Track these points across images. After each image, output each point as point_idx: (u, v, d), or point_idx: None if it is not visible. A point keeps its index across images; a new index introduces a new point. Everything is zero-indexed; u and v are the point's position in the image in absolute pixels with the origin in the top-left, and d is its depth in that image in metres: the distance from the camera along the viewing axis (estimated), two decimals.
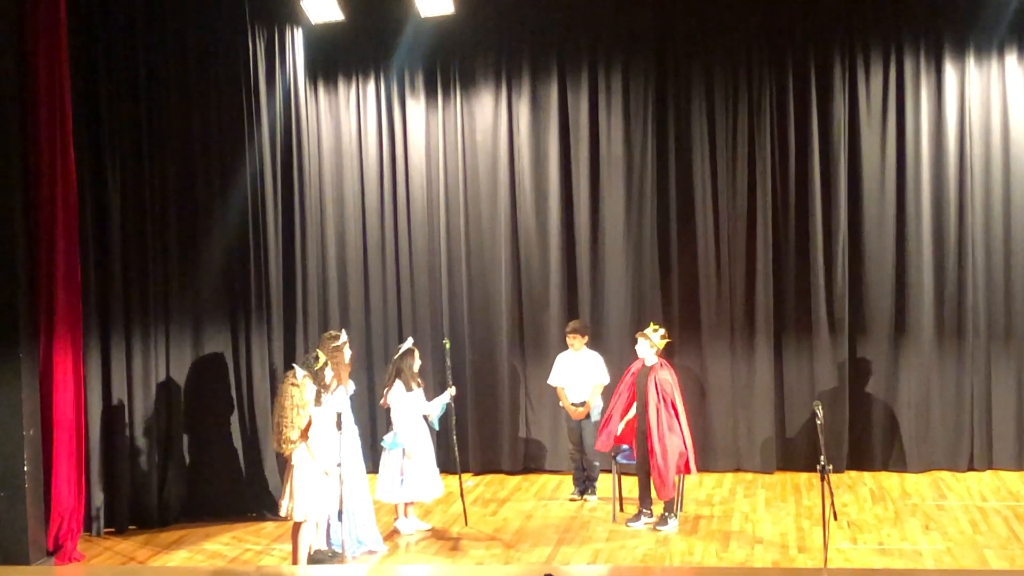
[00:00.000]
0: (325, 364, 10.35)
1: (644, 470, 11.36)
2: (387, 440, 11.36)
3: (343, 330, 11.26)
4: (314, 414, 10.01)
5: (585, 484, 12.60)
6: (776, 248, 13.49)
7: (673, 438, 11.12)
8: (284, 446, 9.93)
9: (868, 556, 10.37)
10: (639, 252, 13.72)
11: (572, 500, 12.53)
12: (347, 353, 10.86)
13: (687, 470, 11.29)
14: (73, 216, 10.87)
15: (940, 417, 13.28)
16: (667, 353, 11.83)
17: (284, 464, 10.26)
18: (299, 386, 9.95)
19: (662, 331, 11.54)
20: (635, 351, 11.60)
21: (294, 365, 10.28)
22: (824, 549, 9.48)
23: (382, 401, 11.57)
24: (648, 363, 11.40)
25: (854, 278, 13.41)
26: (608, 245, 13.77)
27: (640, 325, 13.18)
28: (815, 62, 13.35)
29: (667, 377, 11.28)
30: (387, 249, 14.16)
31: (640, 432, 11.32)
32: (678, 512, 11.45)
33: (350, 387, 10.96)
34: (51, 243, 10.67)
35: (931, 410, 13.30)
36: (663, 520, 11.29)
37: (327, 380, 10.37)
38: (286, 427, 9.89)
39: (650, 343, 11.41)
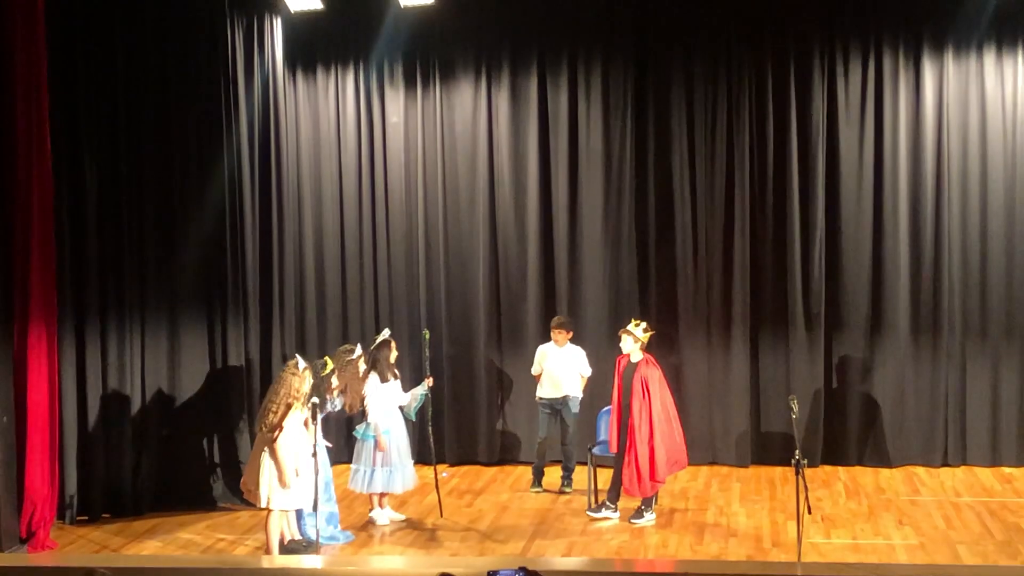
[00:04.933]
0: (332, 372, 10.40)
1: (620, 465, 11.35)
2: (360, 430, 11.35)
3: (359, 344, 11.28)
4: (296, 409, 10.03)
5: (540, 475, 12.66)
6: (753, 243, 13.52)
7: (662, 439, 11.12)
8: (263, 429, 9.99)
9: (842, 550, 10.40)
10: (617, 246, 13.73)
11: (537, 492, 12.53)
12: (361, 367, 10.94)
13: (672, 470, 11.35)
14: (49, 203, 10.82)
15: (915, 413, 13.33)
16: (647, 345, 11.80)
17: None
18: (299, 377, 10.00)
19: (644, 324, 11.51)
20: (619, 347, 11.52)
21: (297, 355, 10.32)
22: (798, 543, 9.49)
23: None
24: (634, 359, 11.37)
25: (831, 273, 13.45)
26: (586, 238, 13.77)
27: (617, 318, 13.28)
28: (794, 57, 13.37)
29: (654, 375, 11.26)
30: (365, 240, 14.13)
31: (623, 427, 11.31)
32: (654, 505, 11.46)
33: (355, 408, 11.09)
34: (26, 230, 10.60)
35: (906, 406, 13.34)
36: (638, 513, 11.29)
37: (332, 387, 10.49)
38: (271, 411, 9.95)
39: (634, 338, 11.37)
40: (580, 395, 12.56)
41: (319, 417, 10.26)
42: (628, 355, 11.40)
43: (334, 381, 10.66)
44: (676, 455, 11.35)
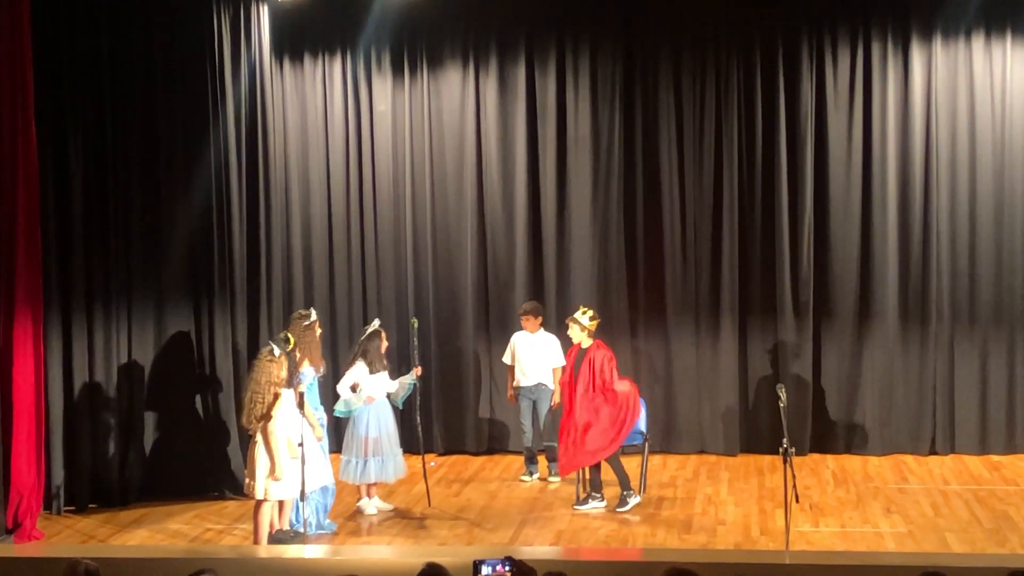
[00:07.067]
0: (295, 345, 10.33)
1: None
2: (338, 408, 11.35)
3: (312, 308, 11.23)
4: (284, 394, 10.00)
5: (533, 465, 12.64)
6: (742, 231, 13.50)
7: (599, 422, 11.18)
8: (252, 422, 9.93)
9: (830, 539, 10.41)
10: (605, 234, 13.71)
11: (523, 481, 12.52)
12: (318, 331, 10.88)
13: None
14: (34, 192, 10.77)
15: (903, 401, 13.34)
16: (626, 332, 11.80)
17: (248, 443, 10.23)
18: (276, 363, 9.95)
19: (591, 312, 11.55)
20: (604, 335, 11.57)
21: (271, 342, 10.27)
22: (786, 532, 9.48)
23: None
24: (584, 346, 11.43)
25: (819, 261, 13.45)
26: (574, 226, 13.75)
27: (606, 306, 13.30)
28: (783, 45, 13.36)
29: (601, 359, 11.29)
30: (352, 229, 14.08)
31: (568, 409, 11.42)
32: (632, 491, 11.38)
33: (321, 369, 10.95)
34: (12, 220, 10.55)
35: (894, 394, 13.35)
36: (582, 501, 11.39)
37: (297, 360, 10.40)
38: (258, 403, 9.89)
39: (580, 327, 11.43)
40: (552, 387, 12.49)
41: (306, 404, 10.22)
42: (578, 344, 11.45)
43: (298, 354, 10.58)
44: (592, 447, 11.28)
